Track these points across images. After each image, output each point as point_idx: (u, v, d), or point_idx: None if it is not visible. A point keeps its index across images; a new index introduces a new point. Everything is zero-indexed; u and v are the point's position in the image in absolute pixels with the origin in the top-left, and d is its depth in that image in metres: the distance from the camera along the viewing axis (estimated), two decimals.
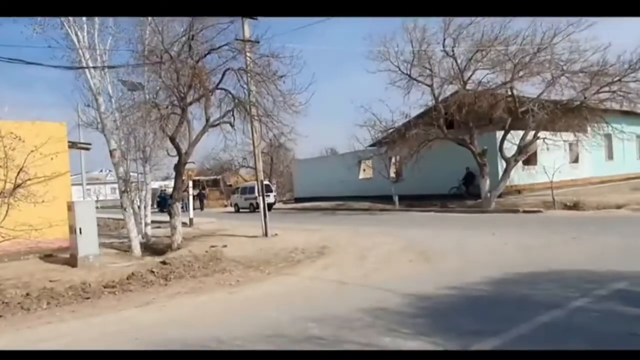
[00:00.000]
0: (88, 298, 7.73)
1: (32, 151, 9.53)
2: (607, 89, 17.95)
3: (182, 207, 20.04)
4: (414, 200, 22.38)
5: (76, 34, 11.59)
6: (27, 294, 7.77)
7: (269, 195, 28.69)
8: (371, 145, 23.97)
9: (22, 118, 11.83)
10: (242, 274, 9.03)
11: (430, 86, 20.05)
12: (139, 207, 15.89)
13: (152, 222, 17.19)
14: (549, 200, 17.88)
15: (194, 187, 37.39)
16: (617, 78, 17.65)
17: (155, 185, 33.61)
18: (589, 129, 19.84)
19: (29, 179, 9.08)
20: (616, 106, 19.18)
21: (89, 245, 10.79)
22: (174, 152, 13.35)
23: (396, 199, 22.43)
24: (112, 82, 13.90)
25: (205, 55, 12.41)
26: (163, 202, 30.48)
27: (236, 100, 12.89)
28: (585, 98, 17.98)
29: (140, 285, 8.46)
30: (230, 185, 38.12)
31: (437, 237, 12.06)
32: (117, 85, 14.09)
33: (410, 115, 21.48)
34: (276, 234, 13.68)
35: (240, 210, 27.94)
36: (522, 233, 12.15)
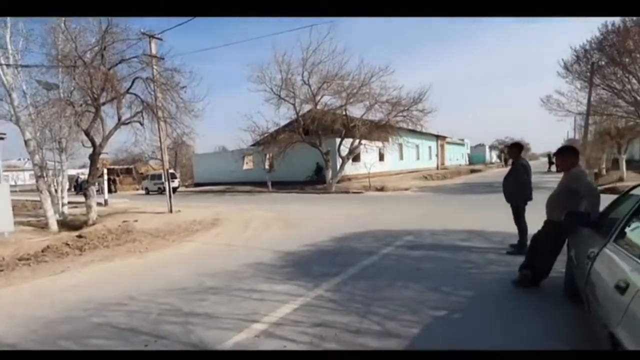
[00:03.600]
0: (1, 270, 6.11)
1: None
2: (400, 114, 19.61)
3: (98, 190, 17.43)
4: (283, 185, 22.34)
5: None
6: None
7: (173, 181, 26.55)
8: (252, 145, 23.43)
9: None
10: (150, 242, 8.05)
11: (294, 104, 20.09)
12: (56, 190, 13.29)
13: (70, 202, 14.62)
14: (367, 185, 19.21)
15: (109, 174, 33.02)
16: (406, 108, 19.48)
17: (73, 172, 28.92)
18: (390, 139, 21.57)
19: None
20: (405, 126, 20.89)
21: (4, 222, 8.79)
22: (89, 144, 11.46)
23: (269, 184, 22.19)
24: (25, 80, 11.49)
25: (117, 64, 10.78)
26: (79, 187, 26.34)
27: (144, 104, 11.49)
28: (388, 119, 19.52)
29: (55, 256, 6.96)
30: (142, 173, 34.34)
31: (298, 210, 12.08)
32: (31, 83, 11.62)
33: (280, 125, 21.44)
34: (179, 211, 12.59)
35: (150, 193, 25.26)
36: (352, 206, 12.84)
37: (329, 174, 19.99)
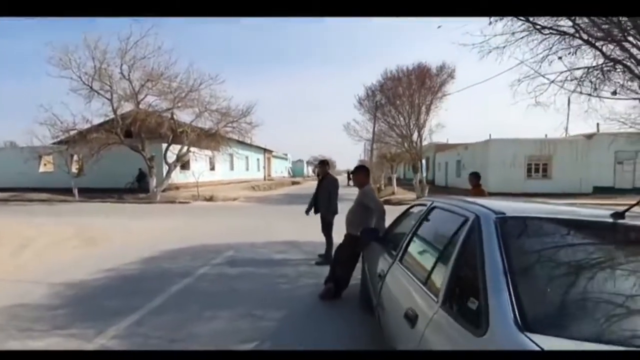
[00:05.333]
0: None
1: None
2: (230, 125, 18.53)
3: None
4: (95, 193, 17.85)
5: None
6: None
7: None
8: (54, 143, 17.82)
9: None
10: None
11: (110, 100, 16.40)
12: None
13: None
14: (196, 194, 17.54)
15: None
16: (236, 119, 18.54)
17: None
18: (220, 149, 20.32)
19: None
20: (235, 137, 19.98)
21: None
22: None
23: (75, 191, 17.33)
24: None
25: None
26: None
27: None
28: (218, 129, 18.23)
29: None
30: None
31: (108, 224, 9.51)
32: None
33: (92, 121, 17.06)
34: None
35: None
36: (175, 218, 11.24)
37: (154, 181, 17.27)
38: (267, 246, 6.76)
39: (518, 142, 20.12)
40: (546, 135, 21.00)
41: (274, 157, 45.76)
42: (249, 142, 22.61)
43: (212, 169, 24.64)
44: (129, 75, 16.13)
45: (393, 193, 21.71)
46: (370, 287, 3.16)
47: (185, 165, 20.38)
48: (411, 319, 1.69)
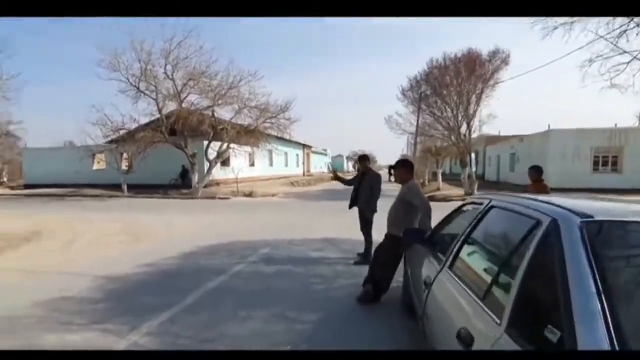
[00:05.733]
0: None
1: None
2: (269, 121, 18.81)
3: None
4: (143, 189, 19.03)
5: None
6: None
7: None
8: (106, 142, 19.25)
9: None
10: None
11: (155, 100, 17.36)
12: None
13: None
14: (235, 190, 18.03)
15: None
16: (274, 115, 18.83)
17: None
18: (259, 145, 20.68)
19: None
20: (274, 133, 20.18)
21: None
22: None
23: (125, 187, 18.65)
24: None
25: None
26: None
27: None
28: (257, 125, 18.60)
29: None
30: None
31: (152, 219, 10.05)
32: None
33: (139, 121, 18.18)
34: None
35: None
36: (215, 214, 11.57)
37: (196, 177, 18.03)
38: (304, 243, 6.66)
39: (583, 132, 18.27)
40: (616, 125, 18.85)
41: (313, 152, 45.94)
42: (287, 137, 22.78)
43: (252, 165, 25.15)
44: (172, 75, 16.93)
45: (438, 189, 20.78)
46: (413, 293, 2.89)
47: (225, 162, 20.99)
48: (465, 341, 1.42)
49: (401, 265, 3.72)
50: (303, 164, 39.45)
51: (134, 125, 18.02)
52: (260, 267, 5.15)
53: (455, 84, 16.92)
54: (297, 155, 37.56)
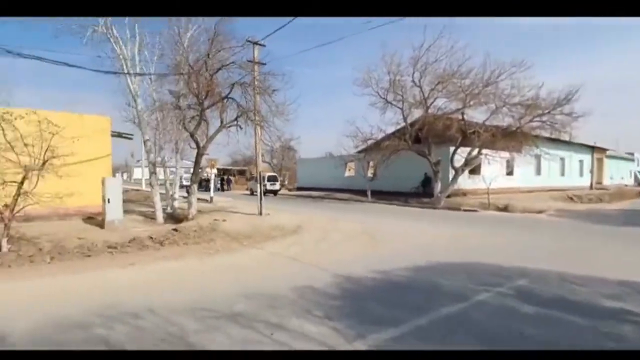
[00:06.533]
0: (89, 256, 6.80)
1: (73, 138, 8.93)
2: (538, 119, 16.73)
3: (204, 188, 19.03)
4: (384, 195, 21.23)
5: (120, 48, 10.99)
6: (40, 249, 6.95)
7: (275, 184, 28.55)
8: (360, 152, 22.95)
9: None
10: (224, 244, 8.07)
11: (401, 109, 18.83)
12: (170, 184, 15.33)
13: (181, 197, 16.37)
14: (485, 202, 16.69)
15: (225, 174, 37.04)
16: (547, 111, 16.50)
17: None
18: (523, 149, 18.54)
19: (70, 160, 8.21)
20: (545, 133, 17.83)
21: (115, 211, 10.19)
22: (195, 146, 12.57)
23: (369, 192, 21.35)
24: (150, 87, 13.32)
25: (217, 71, 11.35)
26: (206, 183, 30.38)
27: (241, 108, 11.90)
28: (520, 125, 16.76)
29: (137, 248, 7.49)
30: (252, 175, 37.87)
31: (390, 225, 11.00)
32: (158, 91, 13.54)
33: (385, 131, 20.28)
34: (268, 214, 12.71)
35: (254, 193, 27.18)
36: (458, 227, 11.05)
37: (438, 186, 18.16)
38: (587, 283, 5.11)
39: None
40: None
41: (609, 157, 36.18)
42: (566, 138, 19.14)
43: (510, 173, 23.05)
44: (419, 81, 17.76)
45: None
46: None
47: (474, 170, 20.03)
48: None
49: None
50: (591, 172, 31.79)
51: (380, 135, 20.27)
52: (512, 303, 4.32)
53: None
54: (581, 161, 30.68)
